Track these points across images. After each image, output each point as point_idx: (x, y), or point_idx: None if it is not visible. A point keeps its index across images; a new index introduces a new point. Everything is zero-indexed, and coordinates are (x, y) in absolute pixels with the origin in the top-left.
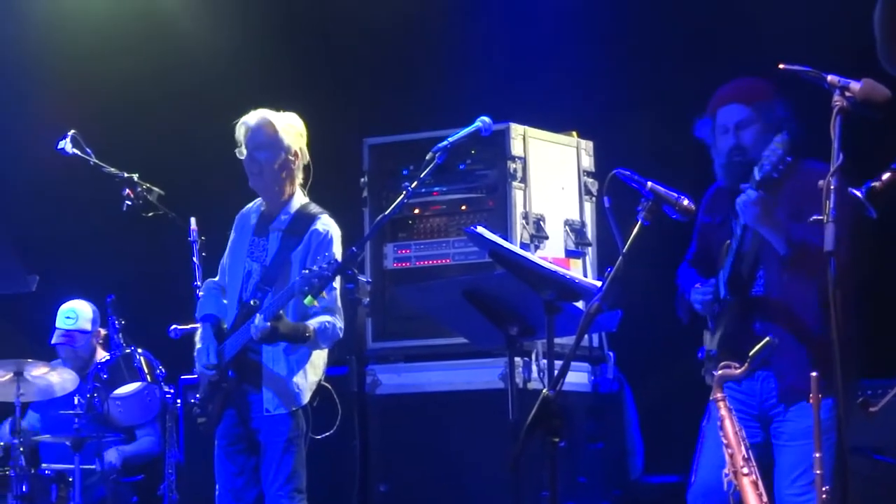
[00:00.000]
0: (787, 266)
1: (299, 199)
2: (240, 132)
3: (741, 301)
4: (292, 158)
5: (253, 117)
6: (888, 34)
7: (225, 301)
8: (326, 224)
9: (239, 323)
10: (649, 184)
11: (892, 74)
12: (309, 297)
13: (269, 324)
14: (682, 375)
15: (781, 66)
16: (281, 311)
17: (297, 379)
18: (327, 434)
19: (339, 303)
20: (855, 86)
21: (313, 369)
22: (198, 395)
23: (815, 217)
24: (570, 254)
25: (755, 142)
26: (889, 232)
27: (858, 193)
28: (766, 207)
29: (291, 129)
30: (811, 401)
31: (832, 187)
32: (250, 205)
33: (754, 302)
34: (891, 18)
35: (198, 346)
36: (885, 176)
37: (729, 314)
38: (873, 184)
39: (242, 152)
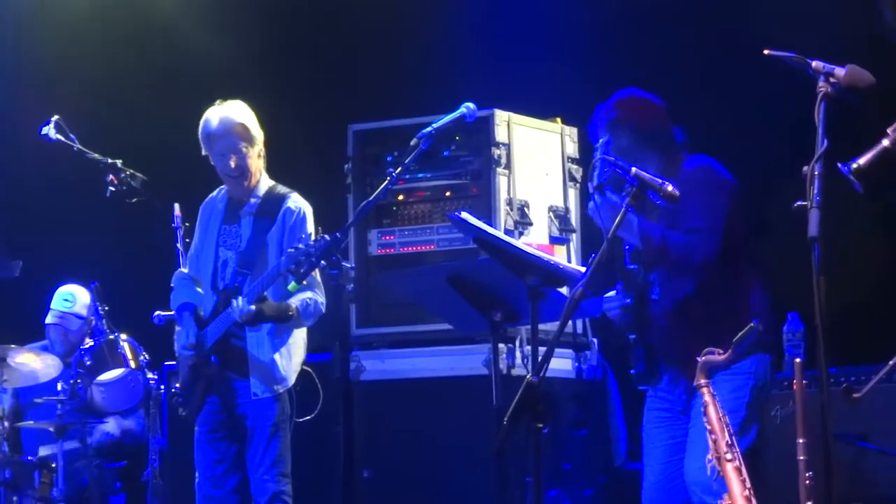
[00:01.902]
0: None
1: (266, 181)
2: (207, 141)
3: (643, 306)
4: (261, 146)
5: (215, 122)
6: None
7: (199, 290)
8: (297, 202)
9: (219, 310)
10: (633, 169)
11: None
12: (293, 284)
13: (253, 306)
14: None
15: (766, 51)
16: (265, 293)
17: (282, 362)
18: (309, 418)
19: (318, 277)
20: (840, 72)
21: (297, 351)
22: (177, 385)
23: (798, 202)
24: (554, 240)
25: (622, 144)
26: (876, 221)
27: (845, 169)
28: (610, 209)
29: (251, 117)
30: (795, 388)
31: (816, 173)
32: (214, 193)
33: (654, 304)
34: None
35: (177, 333)
36: (868, 156)
37: (637, 320)
38: (858, 161)
39: (212, 160)
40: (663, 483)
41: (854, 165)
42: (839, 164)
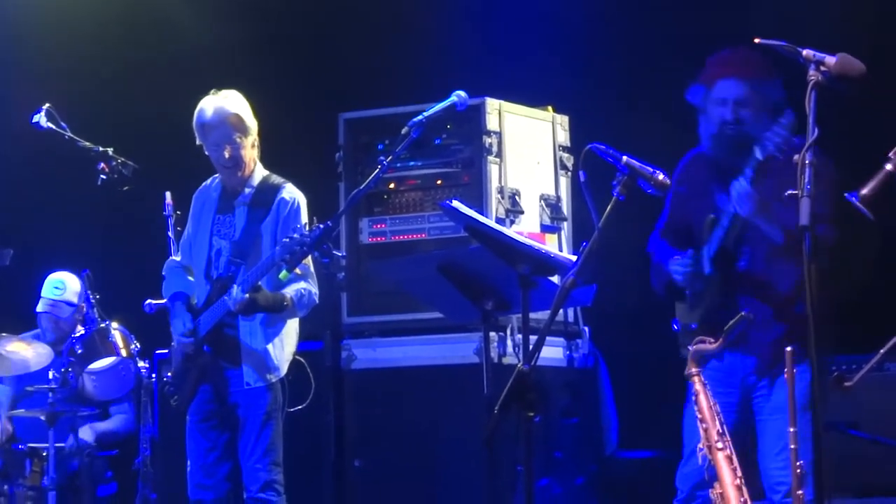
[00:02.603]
0: (780, 250)
1: (260, 171)
2: (201, 131)
3: (725, 277)
4: (255, 136)
5: (209, 112)
6: None
7: (191, 279)
8: (292, 192)
9: (212, 299)
10: (624, 158)
11: None
12: (284, 273)
13: (247, 295)
14: (657, 350)
15: (757, 40)
16: (259, 283)
17: (275, 351)
18: (301, 407)
19: (312, 268)
20: (830, 60)
21: (289, 340)
22: (169, 373)
23: (789, 192)
24: (545, 228)
25: (752, 119)
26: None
27: (854, 200)
28: (762, 201)
29: (246, 107)
30: (786, 376)
31: (807, 162)
32: (207, 181)
33: (738, 278)
34: None
35: (172, 321)
36: (873, 183)
37: (712, 290)
38: (862, 191)
39: (206, 149)
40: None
41: (861, 194)
42: (846, 194)
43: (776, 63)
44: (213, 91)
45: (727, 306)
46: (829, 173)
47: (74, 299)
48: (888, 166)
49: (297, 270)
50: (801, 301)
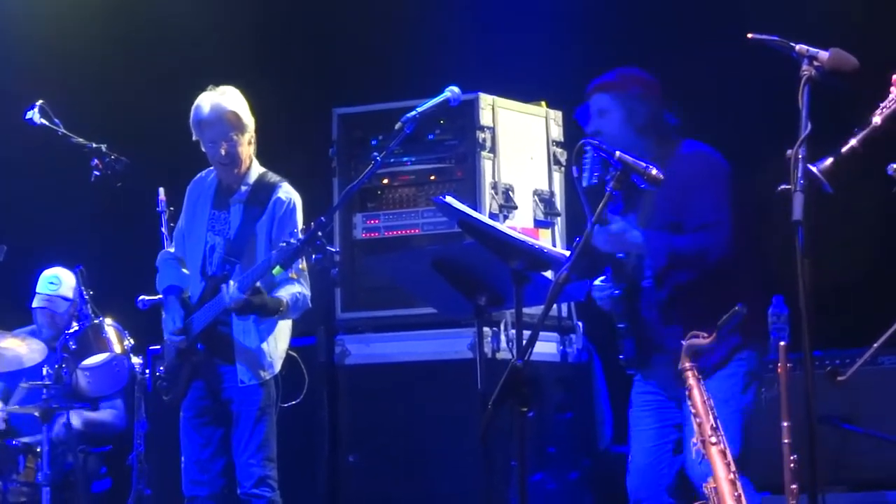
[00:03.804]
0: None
1: (256, 168)
2: (198, 128)
3: (632, 296)
4: (252, 133)
5: (206, 109)
6: None
7: (185, 271)
8: (288, 192)
9: (207, 296)
10: (617, 153)
11: None
12: (278, 268)
13: (244, 296)
14: None
15: (750, 35)
16: (258, 284)
17: (268, 348)
18: (295, 403)
19: (306, 270)
20: (823, 55)
21: (282, 338)
22: (162, 368)
23: (783, 186)
24: (538, 224)
25: (613, 128)
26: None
27: (815, 169)
28: (612, 238)
29: (243, 105)
30: (779, 371)
31: (799, 157)
32: (203, 173)
33: (643, 295)
34: None
35: (165, 316)
36: (839, 154)
37: (624, 310)
38: (829, 159)
39: (203, 146)
40: (650, 468)
41: (821, 168)
42: (808, 165)
43: (650, 85)
44: (210, 87)
45: (639, 325)
46: (721, 177)
47: (70, 294)
48: (853, 141)
49: (293, 274)
50: (704, 304)
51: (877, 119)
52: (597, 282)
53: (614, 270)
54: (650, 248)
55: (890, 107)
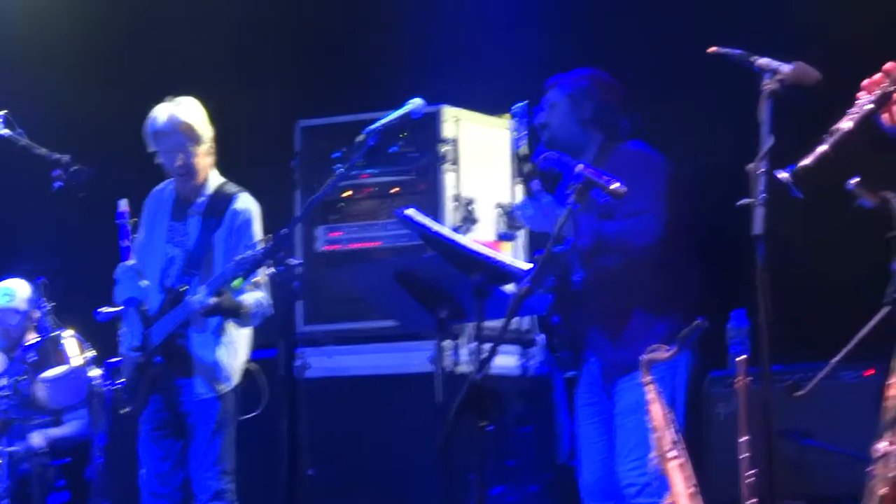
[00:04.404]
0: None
1: (215, 178)
2: (154, 139)
3: (564, 291)
4: (210, 144)
5: (161, 119)
6: None
7: (143, 283)
8: (245, 202)
9: (166, 308)
10: (579, 166)
11: None
12: (238, 280)
13: (212, 300)
14: None
15: (711, 49)
16: (223, 288)
17: (226, 361)
18: (253, 415)
19: (266, 279)
20: (786, 68)
21: (241, 351)
22: (121, 380)
23: (743, 200)
24: (501, 237)
25: (559, 121)
26: (813, 218)
27: (784, 174)
28: (539, 210)
29: (200, 115)
30: (738, 384)
31: (761, 171)
32: (161, 185)
33: (574, 290)
34: None
35: (122, 329)
36: (810, 158)
37: (559, 301)
38: (799, 165)
39: (159, 157)
40: (603, 480)
41: (793, 171)
42: (775, 172)
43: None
44: (167, 98)
45: (571, 318)
46: (657, 171)
47: (23, 306)
48: (824, 146)
49: (250, 286)
50: (627, 301)
51: (849, 123)
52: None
53: (548, 261)
54: (577, 227)
55: (860, 111)
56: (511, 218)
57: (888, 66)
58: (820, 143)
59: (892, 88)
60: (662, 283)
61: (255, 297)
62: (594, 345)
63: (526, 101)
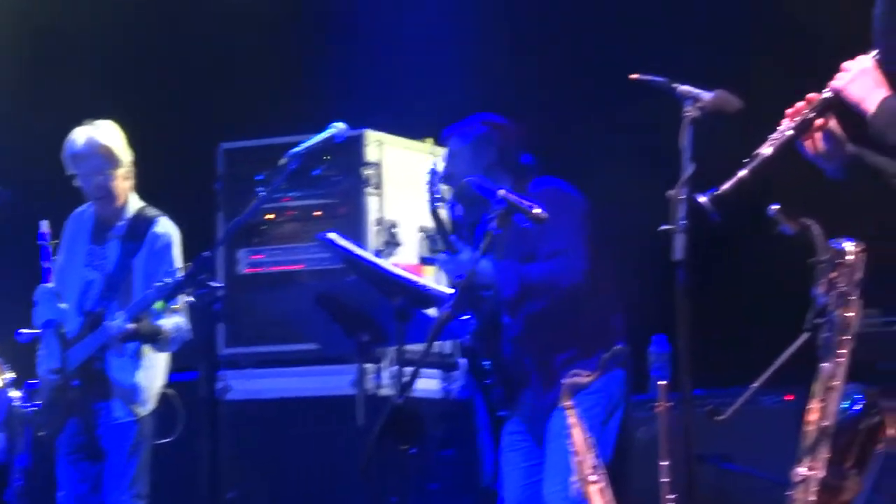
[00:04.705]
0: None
1: (135, 202)
2: (72, 162)
3: (495, 330)
4: (128, 168)
5: (79, 142)
6: (887, 31)
7: (62, 306)
8: (165, 227)
9: (85, 332)
10: (501, 191)
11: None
12: (161, 302)
13: (131, 325)
14: None
15: (633, 76)
16: (142, 313)
17: (144, 385)
18: (170, 440)
19: (185, 304)
20: (707, 96)
21: (159, 374)
22: (38, 403)
23: (664, 226)
24: (423, 261)
25: (462, 170)
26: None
27: (703, 198)
28: (460, 266)
29: (118, 139)
30: (659, 409)
31: (682, 197)
32: (82, 208)
33: (506, 329)
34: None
35: (41, 351)
36: (729, 183)
37: (490, 345)
38: (720, 188)
39: (77, 180)
40: None
41: (711, 195)
42: (694, 196)
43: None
44: (86, 121)
45: (503, 361)
46: (574, 208)
47: None
48: (742, 171)
49: (169, 310)
50: (555, 332)
51: (769, 149)
52: (460, 319)
53: (474, 307)
54: (501, 277)
55: (780, 138)
56: (433, 242)
57: (811, 95)
58: (739, 168)
59: (812, 116)
60: (590, 322)
61: (173, 321)
62: (530, 386)
63: (448, 180)
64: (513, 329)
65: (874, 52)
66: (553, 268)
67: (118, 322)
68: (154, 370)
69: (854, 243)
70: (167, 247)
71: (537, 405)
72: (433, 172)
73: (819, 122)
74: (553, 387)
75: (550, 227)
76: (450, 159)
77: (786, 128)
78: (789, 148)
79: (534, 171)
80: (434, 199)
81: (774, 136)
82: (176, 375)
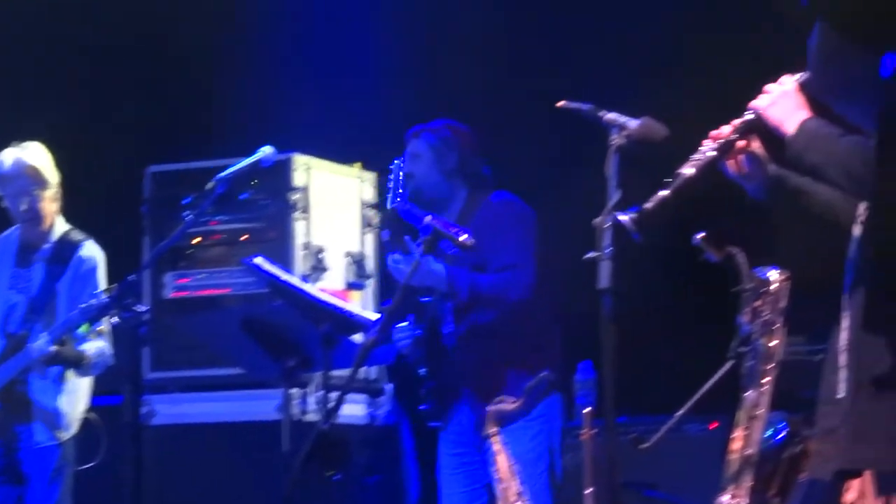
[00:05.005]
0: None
1: (61, 226)
2: (0, 182)
3: (434, 340)
4: (56, 189)
5: (7, 163)
6: (823, 63)
7: None
8: (91, 250)
9: (7, 354)
10: (428, 218)
11: (824, 103)
12: (85, 325)
13: (53, 348)
14: None
15: (560, 103)
16: (65, 336)
17: (66, 409)
18: (93, 465)
19: (109, 328)
20: (633, 123)
21: (81, 399)
22: None
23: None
24: (350, 285)
25: (423, 172)
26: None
27: (624, 217)
28: (414, 266)
29: (46, 160)
30: (583, 436)
31: (607, 225)
32: (8, 231)
33: (445, 340)
34: (827, 47)
35: None
36: (650, 203)
37: (426, 355)
38: (642, 208)
39: (4, 201)
40: None
41: (633, 215)
42: (616, 214)
43: (461, 133)
44: (13, 143)
45: (447, 367)
46: (526, 222)
47: None
48: (665, 191)
49: (96, 333)
50: (507, 349)
51: (691, 169)
52: (399, 325)
53: (416, 314)
54: (452, 282)
55: (703, 158)
56: (360, 267)
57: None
58: (661, 188)
59: (735, 137)
60: (533, 338)
61: (96, 346)
62: (467, 398)
63: (408, 179)
64: (455, 339)
65: (798, 75)
66: (503, 280)
67: (41, 344)
68: (77, 394)
69: (778, 272)
70: (92, 271)
71: (479, 417)
72: (398, 168)
73: (741, 143)
74: (490, 400)
75: (502, 239)
76: (411, 159)
77: (708, 149)
78: (712, 169)
79: (490, 183)
80: (396, 195)
81: (697, 156)
82: (100, 399)
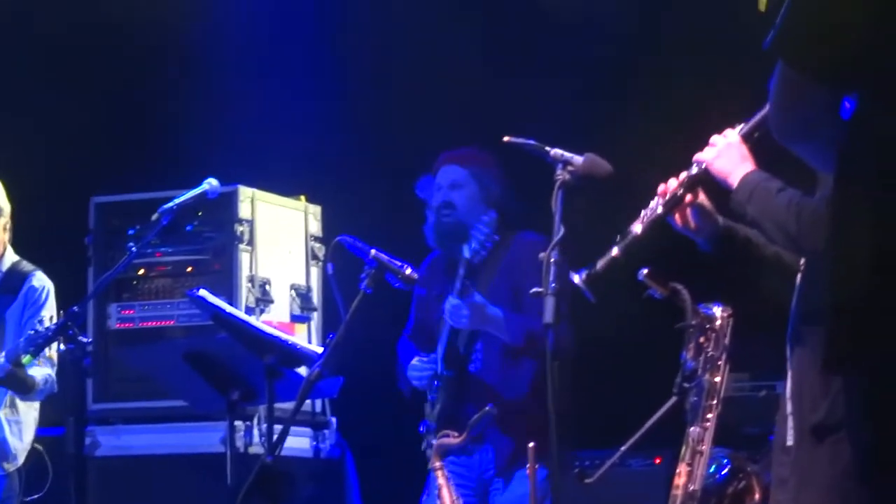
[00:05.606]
0: (517, 350)
1: (10, 256)
2: None
3: (458, 376)
4: (7, 219)
5: None
6: (784, 105)
7: None
8: (41, 280)
9: None
10: (373, 251)
11: (782, 144)
12: (28, 357)
13: (11, 366)
14: (405, 441)
15: (506, 138)
16: (14, 361)
17: (13, 440)
18: (40, 495)
19: (54, 356)
20: (578, 160)
21: (27, 429)
22: None
23: (534, 290)
24: (295, 318)
25: (465, 205)
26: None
27: (577, 277)
28: (475, 311)
29: (1, 190)
30: (528, 471)
31: (552, 260)
32: None
33: (471, 377)
34: (788, 88)
35: None
36: (600, 263)
37: (446, 389)
38: (592, 269)
39: None
40: None
41: (584, 276)
42: (570, 275)
43: (502, 160)
44: None
45: (461, 406)
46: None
47: None
48: (614, 251)
49: (39, 361)
50: (536, 398)
51: (637, 228)
52: (414, 361)
53: (448, 353)
54: (508, 326)
55: (650, 216)
56: (305, 300)
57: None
58: (611, 246)
59: (681, 192)
60: (542, 378)
61: (42, 373)
62: (489, 436)
63: (447, 208)
64: (482, 378)
65: (740, 127)
66: (560, 332)
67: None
68: (24, 425)
69: (722, 308)
70: (44, 301)
71: (501, 453)
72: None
73: (688, 198)
74: (516, 438)
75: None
76: (448, 189)
77: (656, 205)
78: (661, 225)
79: (516, 216)
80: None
81: (645, 213)
82: (44, 430)
